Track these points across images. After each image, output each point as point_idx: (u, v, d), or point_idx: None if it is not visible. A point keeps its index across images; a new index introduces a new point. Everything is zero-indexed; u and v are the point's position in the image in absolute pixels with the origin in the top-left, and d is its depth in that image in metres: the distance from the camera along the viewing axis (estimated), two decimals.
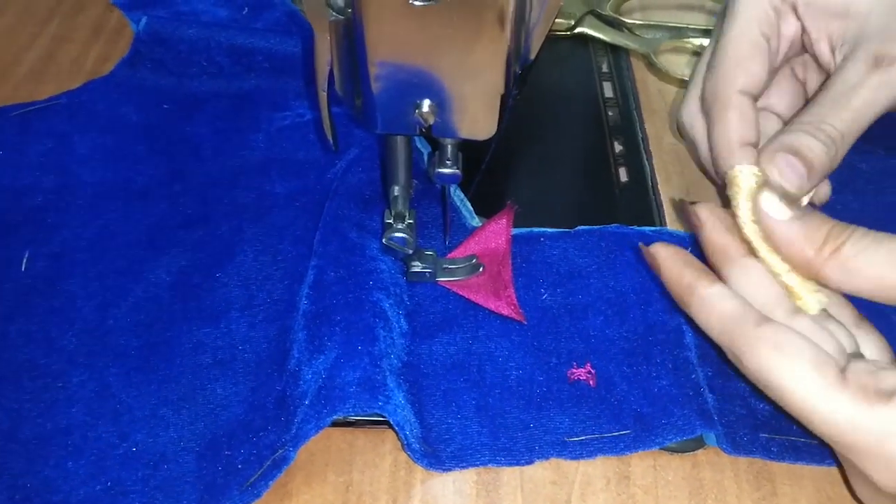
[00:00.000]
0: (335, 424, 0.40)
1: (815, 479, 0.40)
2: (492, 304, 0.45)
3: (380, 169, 0.52)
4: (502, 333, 0.45)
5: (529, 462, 0.40)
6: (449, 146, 0.42)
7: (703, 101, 0.45)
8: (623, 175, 0.54)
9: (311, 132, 0.56)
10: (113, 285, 0.47)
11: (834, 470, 0.40)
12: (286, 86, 0.59)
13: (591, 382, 0.42)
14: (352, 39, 0.37)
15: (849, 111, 0.40)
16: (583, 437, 0.40)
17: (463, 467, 0.40)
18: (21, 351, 0.44)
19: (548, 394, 0.42)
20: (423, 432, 0.41)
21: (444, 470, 0.40)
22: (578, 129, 0.58)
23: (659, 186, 0.54)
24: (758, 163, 0.40)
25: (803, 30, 0.44)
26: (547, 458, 0.40)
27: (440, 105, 0.38)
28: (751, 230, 0.37)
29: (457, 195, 0.51)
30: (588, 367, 0.43)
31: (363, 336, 0.42)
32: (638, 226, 0.50)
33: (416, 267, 0.46)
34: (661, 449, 0.40)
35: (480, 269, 0.47)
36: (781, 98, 0.47)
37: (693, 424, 0.40)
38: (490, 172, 0.54)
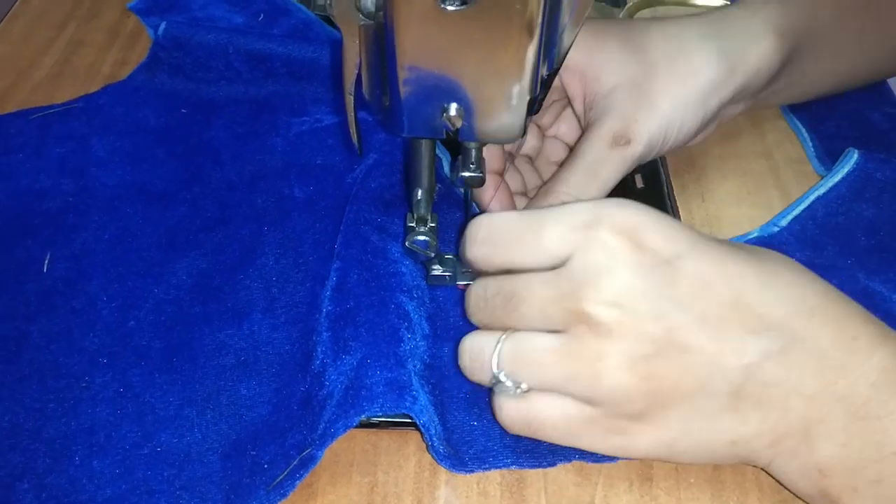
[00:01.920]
0: (360, 425, 0.41)
1: None
2: None
3: (399, 173, 0.52)
4: None
5: (552, 464, 0.40)
6: (473, 150, 0.42)
7: None
8: (639, 181, 0.55)
9: (330, 137, 0.56)
10: (133, 287, 0.48)
11: None
12: (304, 91, 0.60)
13: None
14: (381, 44, 0.37)
15: (591, 181, 0.47)
16: None
17: (486, 469, 0.40)
18: (44, 351, 0.45)
19: None
20: (446, 434, 0.41)
21: (467, 471, 0.40)
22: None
23: (675, 193, 0.54)
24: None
25: (564, 87, 0.51)
26: (570, 461, 0.40)
27: (467, 109, 0.38)
28: None
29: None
30: None
31: (388, 337, 0.42)
32: None
33: (437, 270, 0.47)
34: None
35: None
36: (569, 129, 0.54)
37: None
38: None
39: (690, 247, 0.37)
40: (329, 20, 0.66)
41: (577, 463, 0.40)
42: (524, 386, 0.38)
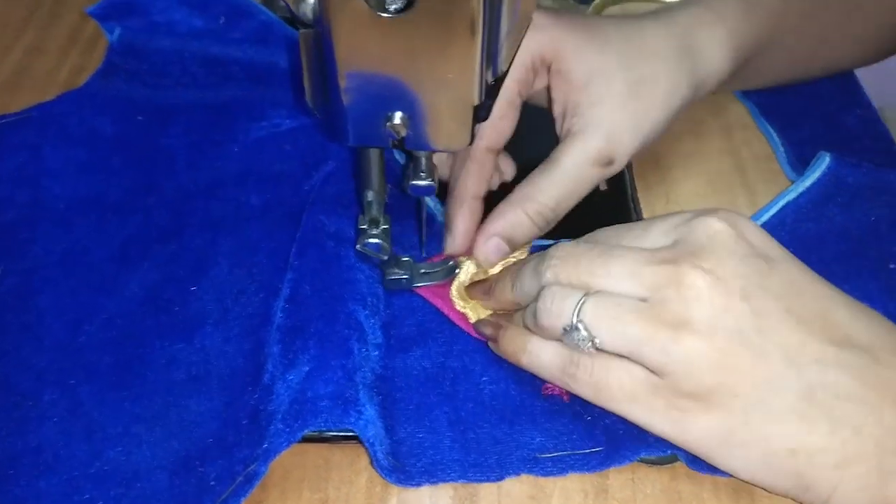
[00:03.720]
0: (310, 440, 0.40)
1: None
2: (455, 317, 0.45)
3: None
4: (477, 348, 0.44)
5: (500, 478, 0.39)
6: (423, 158, 0.41)
7: None
8: (602, 183, 0.54)
9: (288, 143, 0.55)
10: (85, 301, 0.47)
11: None
12: (262, 95, 0.58)
13: (564, 397, 0.42)
14: (320, 52, 0.36)
15: (566, 192, 0.47)
16: (554, 454, 0.40)
17: (433, 482, 0.39)
18: None
19: (521, 408, 0.42)
20: (394, 447, 0.40)
21: (414, 485, 0.39)
22: (556, 138, 0.58)
23: (639, 194, 0.54)
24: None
25: (549, 87, 0.50)
26: (518, 475, 0.40)
27: (412, 117, 0.38)
28: (457, 296, 0.47)
29: (433, 202, 0.51)
30: None
31: (337, 349, 0.41)
32: None
33: (393, 274, 0.46)
34: (638, 461, 0.40)
35: (457, 272, 0.47)
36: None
37: (665, 442, 0.39)
38: None
39: (785, 255, 0.39)
40: (291, 22, 0.65)
41: (530, 476, 0.40)
42: (598, 341, 0.37)
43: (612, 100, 0.47)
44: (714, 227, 0.38)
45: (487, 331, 0.44)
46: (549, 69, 0.49)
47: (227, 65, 0.59)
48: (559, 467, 0.40)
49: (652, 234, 0.40)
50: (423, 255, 0.48)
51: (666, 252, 0.38)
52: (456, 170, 0.49)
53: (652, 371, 0.37)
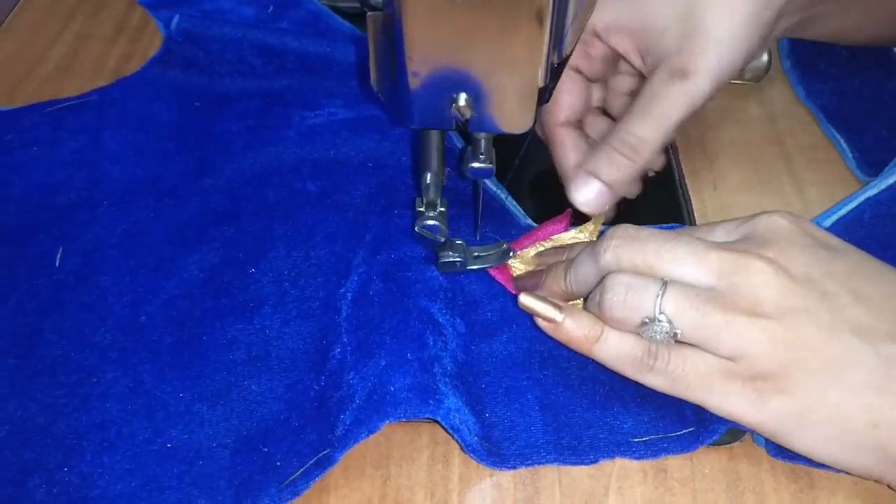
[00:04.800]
0: None
1: None
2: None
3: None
4: None
5: (594, 461, 0.40)
6: (483, 140, 0.42)
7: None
8: (650, 170, 0.54)
9: (344, 130, 0.56)
10: (145, 282, 0.48)
11: None
12: (318, 85, 0.59)
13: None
14: (389, 34, 0.37)
15: (650, 118, 0.46)
16: (647, 438, 0.40)
17: (528, 465, 0.40)
18: (55, 346, 0.45)
19: (611, 392, 0.42)
20: (485, 431, 0.40)
21: (508, 468, 0.40)
22: None
23: (686, 180, 0.54)
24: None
25: (612, 49, 0.49)
26: (612, 458, 0.40)
27: (477, 99, 0.38)
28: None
29: (510, 201, 0.52)
30: None
31: (412, 343, 0.42)
32: (666, 221, 0.50)
33: (447, 257, 0.46)
34: None
35: (511, 254, 0.47)
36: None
37: None
38: (522, 168, 0.54)
39: (848, 247, 0.40)
40: (339, 11, 0.66)
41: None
42: (679, 333, 0.38)
43: (674, 22, 0.46)
44: (777, 222, 0.40)
45: (545, 310, 0.41)
46: (598, 35, 0.49)
47: (283, 55, 0.60)
48: (652, 450, 0.40)
49: (716, 233, 0.41)
50: (478, 238, 0.49)
51: (732, 244, 0.39)
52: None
53: (726, 357, 0.38)
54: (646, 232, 0.40)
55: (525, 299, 0.41)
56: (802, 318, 0.36)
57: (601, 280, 0.40)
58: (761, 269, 0.37)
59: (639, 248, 0.40)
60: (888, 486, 0.37)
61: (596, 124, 0.53)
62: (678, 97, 0.45)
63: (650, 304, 0.38)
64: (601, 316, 0.40)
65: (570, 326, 0.40)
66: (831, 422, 0.36)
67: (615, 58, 0.50)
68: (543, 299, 0.42)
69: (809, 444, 0.37)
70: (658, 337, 0.38)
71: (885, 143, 0.56)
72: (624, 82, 0.52)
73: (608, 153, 0.46)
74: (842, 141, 0.56)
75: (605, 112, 0.54)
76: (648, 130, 0.46)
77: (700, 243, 0.39)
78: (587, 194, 0.47)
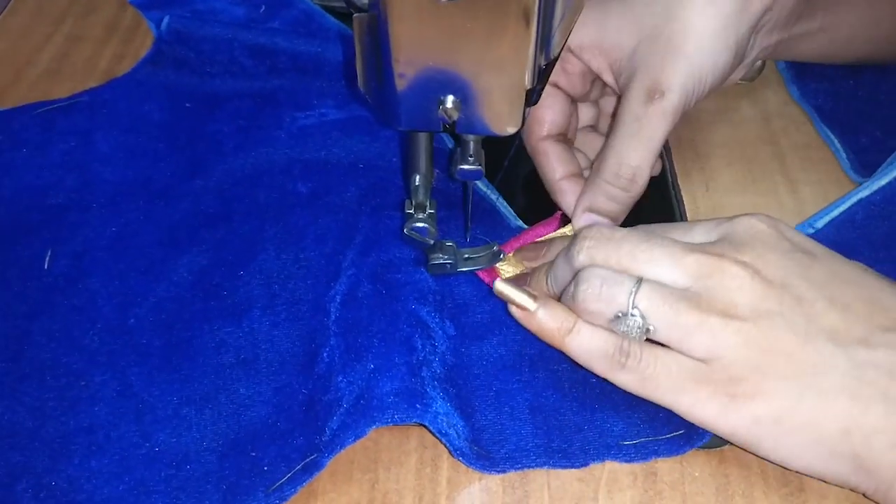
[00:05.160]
0: None
1: None
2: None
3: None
4: None
5: (584, 464, 0.40)
6: (472, 142, 0.42)
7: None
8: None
9: (335, 131, 0.55)
10: (134, 284, 0.47)
11: None
12: (309, 86, 0.59)
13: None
14: (376, 36, 0.36)
15: (638, 144, 0.45)
16: (637, 441, 0.40)
17: (517, 469, 0.40)
18: (44, 349, 0.44)
19: (602, 395, 0.42)
20: (474, 434, 0.40)
21: (498, 472, 0.39)
22: None
23: (678, 181, 0.54)
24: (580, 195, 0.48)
25: (588, 66, 0.49)
26: (602, 461, 0.40)
27: (464, 101, 0.38)
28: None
29: (500, 203, 0.52)
30: None
31: (401, 346, 0.42)
32: (658, 222, 0.49)
33: (437, 259, 0.46)
34: None
35: (502, 257, 0.47)
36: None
37: None
38: (511, 170, 0.54)
39: (827, 251, 0.40)
40: (331, 10, 0.65)
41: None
42: (651, 329, 0.38)
43: (645, 38, 0.46)
44: (756, 226, 0.40)
45: (520, 298, 0.41)
46: (573, 52, 0.49)
47: (274, 55, 0.59)
48: (642, 453, 0.40)
49: (694, 232, 0.41)
50: (468, 240, 0.49)
51: (709, 246, 0.39)
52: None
53: (698, 359, 0.37)
54: (620, 233, 0.40)
55: (500, 286, 0.41)
56: (777, 322, 0.36)
57: (577, 273, 0.40)
58: (737, 273, 0.37)
59: (613, 248, 0.39)
60: (863, 494, 0.37)
61: (589, 141, 0.53)
62: (658, 117, 0.45)
63: (624, 297, 0.38)
64: (574, 308, 0.40)
65: (543, 316, 0.40)
66: (805, 429, 0.36)
67: (594, 74, 0.50)
68: (519, 287, 0.41)
69: (783, 451, 0.37)
70: (630, 332, 0.38)
71: (879, 145, 0.55)
72: (614, 104, 0.52)
73: (605, 189, 0.46)
74: (836, 141, 0.56)
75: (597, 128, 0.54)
76: (639, 157, 0.46)
77: (676, 245, 0.39)
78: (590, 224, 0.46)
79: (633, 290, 0.38)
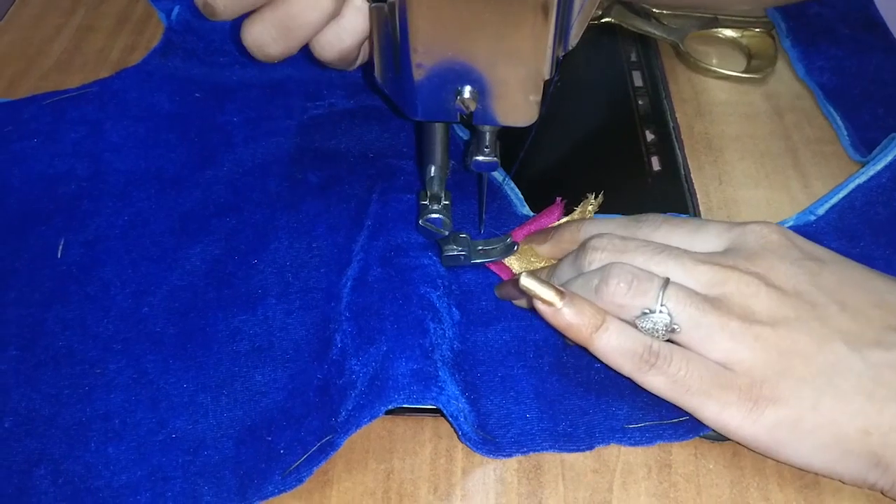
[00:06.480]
0: None
1: None
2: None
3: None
4: None
5: (590, 448, 0.40)
6: (487, 133, 0.42)
7: None
8: (655, 164, 0.54)
9: (344, 121, 0.56)
10: (147, 273, 0.48)
11: None
12: (319, 76, 0.59)
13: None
14: (393, 26, 0.36)
15: None
16: (642, 424, 0.40)
17: (523, 453, 0.40)
18: (58, 338, 0.45)
19: (606, 380, 0.42)
20: (480, 420, 0.40)
21: (504, 456, 0.40)
22: (609, 119, 0.58)
23: (692, 175, 0.54)
24: None
25: None
26: (607, 444, 0.40)
27: (482, 92, 0.38)
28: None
29: (507, 185, 0.52)
30: None
31: (413, 329, 0.42)
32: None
33: (451, 250, 0.46)
34: (701, 437, 0.40)
35: (515, 249, 0.47)
36: None
37: None
38: (523, 162, 0.54)
39: (835, 256, 0.41)
40: None
41: (596, 449, 0.40)
42: (677, 327, 0.38)
43: None
44: (767, 236, 0.41)
45: (546, 294, 0.39)
46: None
47: None
48: (647, 437, 0.40)
49: (703, 236, 0.42)
50: (482, 232, 0.49)
51: (719, 257, 0.40)
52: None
53: (718, 362, 0.38)
54: (633, 244, 0.40)
55: (526, 281, 0.39)
56: (794, 327, 0.37)
57: (602, 267, 0.40)
58: (750, 282, 0.38)
59: (629, 259, 0.40)
60: (881, 492, 0.37)
61: None
62: None
63: (654, 294, 0.38)
64: (599, 302, 0.39)
65: (571, 313, 0.39)
66: (824, 430, 0.36)
67: None
68: (545, 282, 0.40)
69: (804, 453, 0.37)
70: (655, 330, 0.38)
71: (881, 121, 0.56)
72: None
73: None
74: (838, 118, 0.57)
75: None
76: None
77: (688, 256, 0.40)
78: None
79: (662, 287, 0.38)
